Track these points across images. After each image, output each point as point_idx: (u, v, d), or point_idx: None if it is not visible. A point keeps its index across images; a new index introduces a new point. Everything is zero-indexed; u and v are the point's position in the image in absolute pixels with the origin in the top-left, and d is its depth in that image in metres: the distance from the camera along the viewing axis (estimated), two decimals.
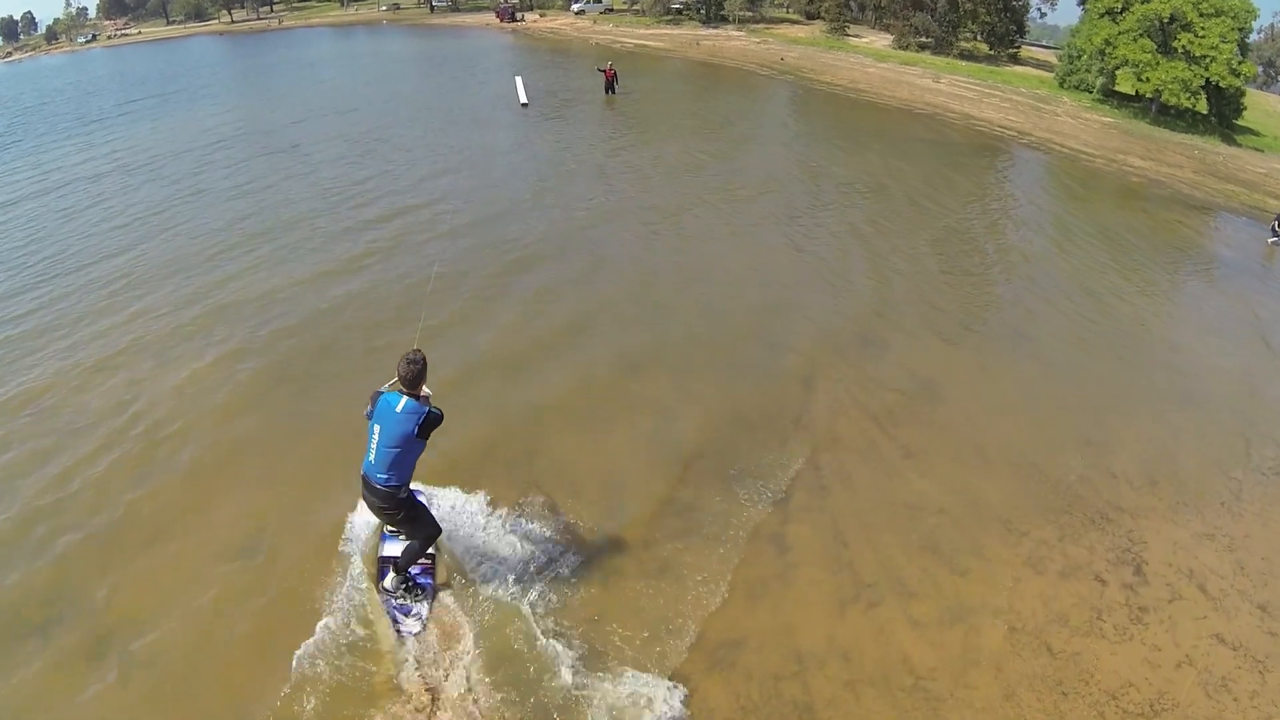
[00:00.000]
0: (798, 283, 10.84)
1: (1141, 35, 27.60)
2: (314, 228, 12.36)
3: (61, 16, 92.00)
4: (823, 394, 7.98)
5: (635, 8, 54.46)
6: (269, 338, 8.72)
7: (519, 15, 57.39)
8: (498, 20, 57.34)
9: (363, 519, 5.68)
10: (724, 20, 45.36)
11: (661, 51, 39.58)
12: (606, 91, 25.41)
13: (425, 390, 4.96)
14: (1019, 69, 35.05)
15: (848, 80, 29.63)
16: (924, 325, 9.72)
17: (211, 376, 7.93)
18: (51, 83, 42.45)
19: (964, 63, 34.57)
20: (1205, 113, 28.25)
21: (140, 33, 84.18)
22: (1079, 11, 33.38)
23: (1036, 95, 28.77)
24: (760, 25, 44.17)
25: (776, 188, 15.41)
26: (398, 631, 5.02)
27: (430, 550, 5.44)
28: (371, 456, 4.81)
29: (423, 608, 5.24)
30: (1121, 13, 28.37)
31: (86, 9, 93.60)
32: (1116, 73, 29.38)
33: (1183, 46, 26.96)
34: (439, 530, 5.30)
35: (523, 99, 23.92)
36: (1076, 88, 30.39)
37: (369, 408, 4.89)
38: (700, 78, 31.06)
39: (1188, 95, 26.83)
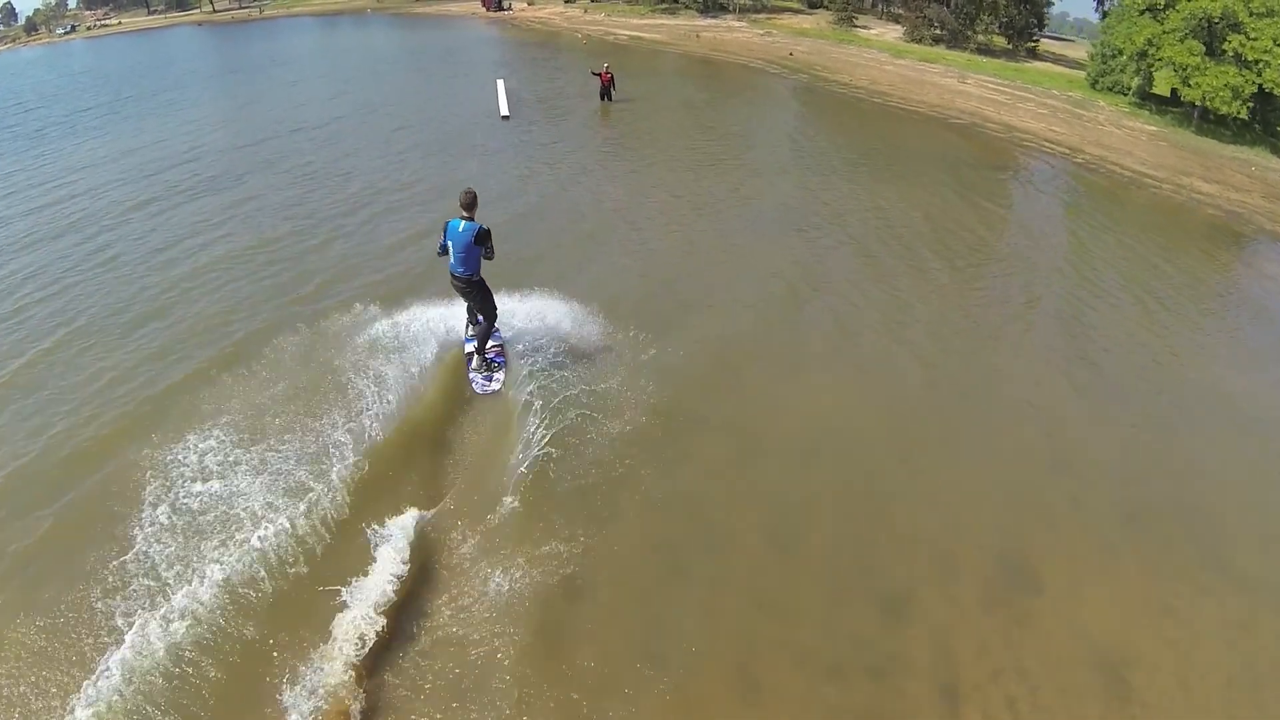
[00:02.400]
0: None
1: (1188, 36, 24.10)
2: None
3: (41, 7, 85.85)
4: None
5: None
6: None
7: (506, 4, 52.89)
8: (484, 9, 52.86)
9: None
10: (723, 9, 41.22)
11: (658, 45, 35.61)
12: (602, 98, 21.71)
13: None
14: (1040, 65, 31.42)
15: (868, 81, 25.93)
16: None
17: None
18: (8, 84, 38.09)
19: (984, 59, 30.88)
20: (1248, 120, 24.96)
21: (120, 23, 78.66)
22: (1089, 2, 30.21)
23: (1071, 99, 25.23)
24: (762, 15, 40.06)
25: (837, 260, 11.64)
26: (483, 390, 7.65)
27: (497, 339, 8.09)
28: (453, 259, 7.31)
29: (501, 375, 7.82)
30: (1164, 10, 24.81)
31: None
32: (1154, 74, 25.99)
33: (1233, 49, 23.52)
34: (497, 312, 7.76)
35: (504, 110, 20.31)
36: (1111, 89, 26.88)
37: (441, 237, 7.36)
38: (704, 78, 27.31)
39: (1238, 103, 23.50)
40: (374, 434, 6.50)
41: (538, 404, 7.03)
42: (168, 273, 10.38)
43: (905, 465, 7.02)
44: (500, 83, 22.58)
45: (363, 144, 17.54)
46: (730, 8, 40.58)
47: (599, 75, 21.81)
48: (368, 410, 6.65)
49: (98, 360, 8.13)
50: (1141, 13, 25.42)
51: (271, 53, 40.57)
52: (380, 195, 13.58)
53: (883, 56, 30.16)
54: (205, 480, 6.02)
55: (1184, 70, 23.82)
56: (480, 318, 7.80)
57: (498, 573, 5.51)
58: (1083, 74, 30.17)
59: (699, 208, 13.46)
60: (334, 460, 6.13)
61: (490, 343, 7.95)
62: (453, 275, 7.40)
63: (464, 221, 7.17)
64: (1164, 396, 8.65)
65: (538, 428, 6.72)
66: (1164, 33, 24.52)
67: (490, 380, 7.74)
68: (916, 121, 21.67)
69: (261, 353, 7.84)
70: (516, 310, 8.42)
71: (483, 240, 7.18)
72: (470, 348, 7.96)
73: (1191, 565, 6.16)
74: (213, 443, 6.35)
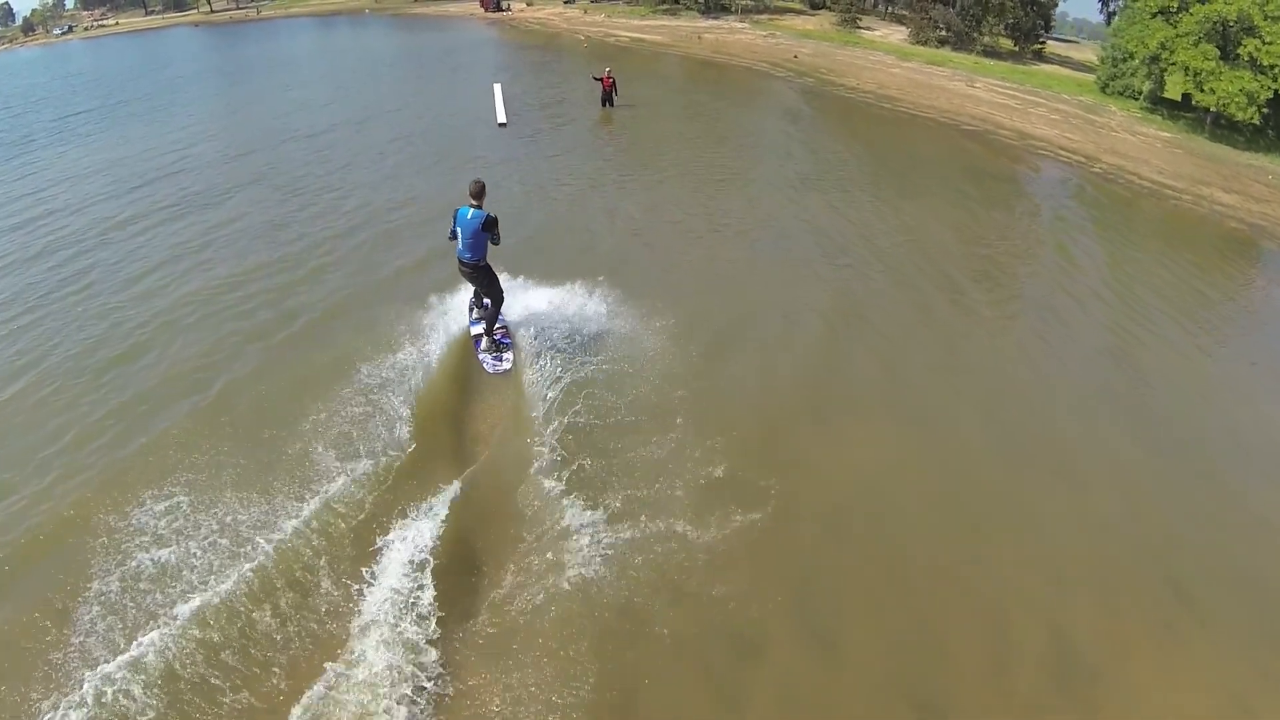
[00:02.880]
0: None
1: (1201, 40, 23.36)
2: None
3: (38, 7, 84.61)
4: None
5: None
6: None
7: (504, 4, 51.97)
8: (482, 9, 51.91)
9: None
10: (725, 10, 40.37)
11: (660, 47, 34.80)
12: (604, 103, 20.90)
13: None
14: (1047, 68, 30.66)
15: (875, 85, 25.15)
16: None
17: None
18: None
19: (991, 61, 30.12)
20: (1260, 126, 24.23)
21: (118, 23, 77.64)
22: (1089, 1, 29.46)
23: (1082, 104, 24.48)
24: (764, 16, 39.24)
25: (873, 290, 10.68)
26: (494, 370, 7.92)
27: (503, 321, 8.38)
28: (461, 245, 7.64)
29: (509, 355, 8.11)
30: (1177, 13, 24.06)
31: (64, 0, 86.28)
32: (1166, 78, 25.27)
33: (1248, 54, 22.80)
34: (503, 296, 8.11)
35: (500, 117, 19.56)
36: (1121, 94, 26.14)
37: (451, 224, 7.67)
38: (708, 81, 26.51)
39: (1252, 109, 22.77)
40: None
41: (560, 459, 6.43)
42: (145, 306, 9.61)
43: (958, 534, 6.32)
44: (497, 88, 21.79)
45: (356, 156, 16.76)
46: (732, 9, 39.73)
47: (600, 80, 20.98)
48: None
49: (64, 412, 7.40)
50: (1153, 16, 24.66)
51: (267, 55, 39.74)
52: (374, 218, 12.70)
53: (888, 59, 29.39)
54: (159, 546, 5.42)
55: (1198, 75, 23.12)
56: (487, 301, 8.12)
57: None
58: (1091, 77, 29.45)
59: (718, 228, 12.61)
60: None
61: (497, 325, 8.31)
62: (460, 260, 7.76)
63: (472, 209, 7.56)
64: (1226, 444, 7.96)
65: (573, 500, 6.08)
66: (1177, 36, 23.80)
67: (500, 360, 8.06)
68: (929, 128, 20.92)
69: (242, 405, 7.12)
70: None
71: (490, 227, 7.57)
72: (477, 330, 8.32)
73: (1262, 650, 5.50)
74: (179, 520, 5.67)
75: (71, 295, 10.12)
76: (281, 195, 14.03)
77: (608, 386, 7.57)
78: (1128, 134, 21.96)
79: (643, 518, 6.00)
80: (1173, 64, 23.87)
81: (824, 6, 41.75)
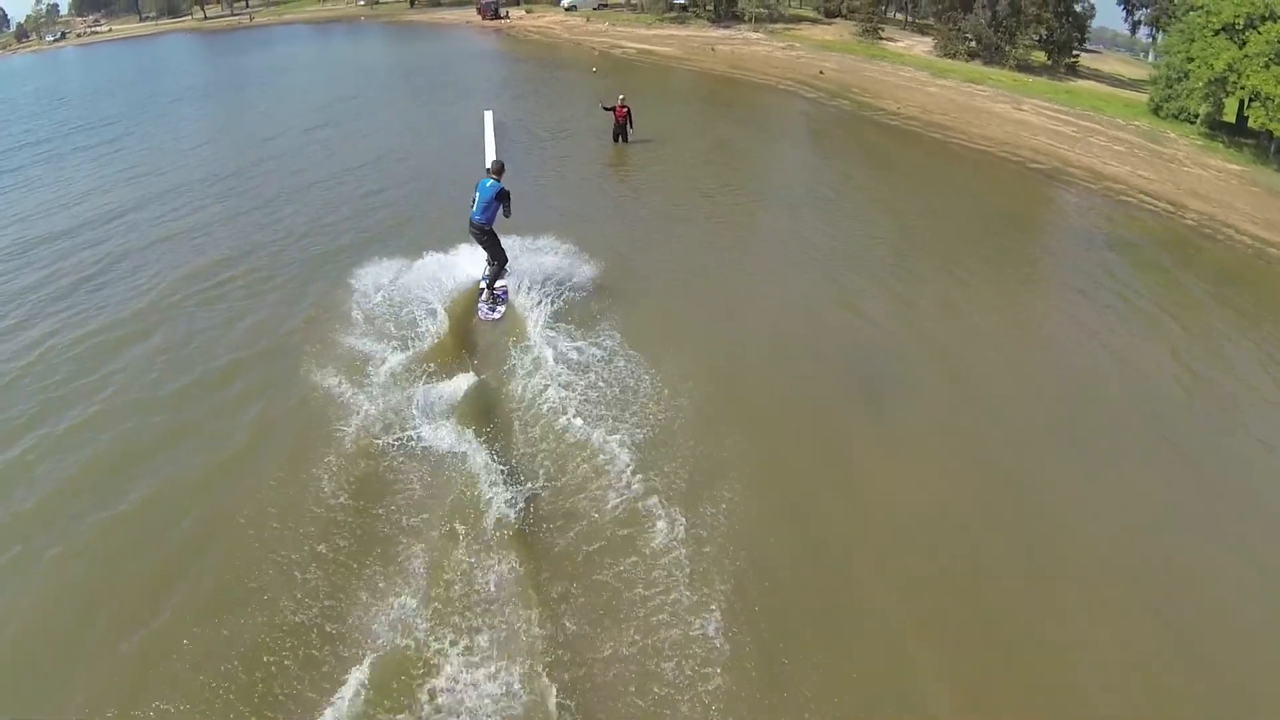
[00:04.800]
0: None
1: (1273, 61, 20.46)
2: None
3: (31, 13, 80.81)
4: None
5: (632, 3, 46.03)
6: None
7: (502, 12, 48.76)
8: (479, 17, 48.68)
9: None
10: (736, 19, 37.29)
11: (671, 60, 31.63)
12: (616, 138, 17.46)
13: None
14: (1085, 84, 27.64)
15: (918, 109, 21.96)
16: None
17: None
18: None
19: (1031, 78, 27.02)
20: None
21: (111, 30, 73.97)
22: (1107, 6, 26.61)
23: (1140, 130, 21.42)
24: (778, 25, 36.10)
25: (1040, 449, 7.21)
26: (486, 317, 8.86)
27: (504, 281, 9.16)
28: (474, 208, 8.63)
29: (502, 308, 8.92)
30: (1244, 30, 21.15)
31: (58, 5, 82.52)
32: (1224, 100, 22.40)
33: None
34: (507, 258, 9.06)
35: (490, 157, 15.45)
36: (1176, 117, 23.23)
37: (473, 193, 8.71)
38: (730, 105, 23.18)
39: None
40: None
41: None
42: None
43: None
44: (488, 117, 18.31)
45: (325, 219, 12.74)
46: (745, 17, 36.61)
47: (612, 110, 17.45)
48: None
49: None
50: (1216, 33, 21.69)
51: (256, 68, 36.38)
52: (325, 363, 7.80)
53: (921, 75, 26.30)
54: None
55: (1270, 102, 20.26)
56: (493, 262, 9.02)
57: None
58: (1134, 95, 26.45)
59: (820, 355, 8.49)
60: None
61: (498, 283, 9.13)
62: (471, 222, 8.70)
63: (491, 180, 8.68)
64: None
65: None
66: (1244, 58, 20.91)
67: (494, 310, 8.94)
68: (993, 165, 17.62)
69: None
70: None
71: (502, 198, 8.61)
72: (483, 283, 9.18)
73: None
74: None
75: None
76: (222, 294, 9.93)
77: None
78: (1198, 169, 18.99)
79: None
80: (1240, 88, 21.03)
81: (840, 15, 38.73)
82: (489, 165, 9.05)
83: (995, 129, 20.18)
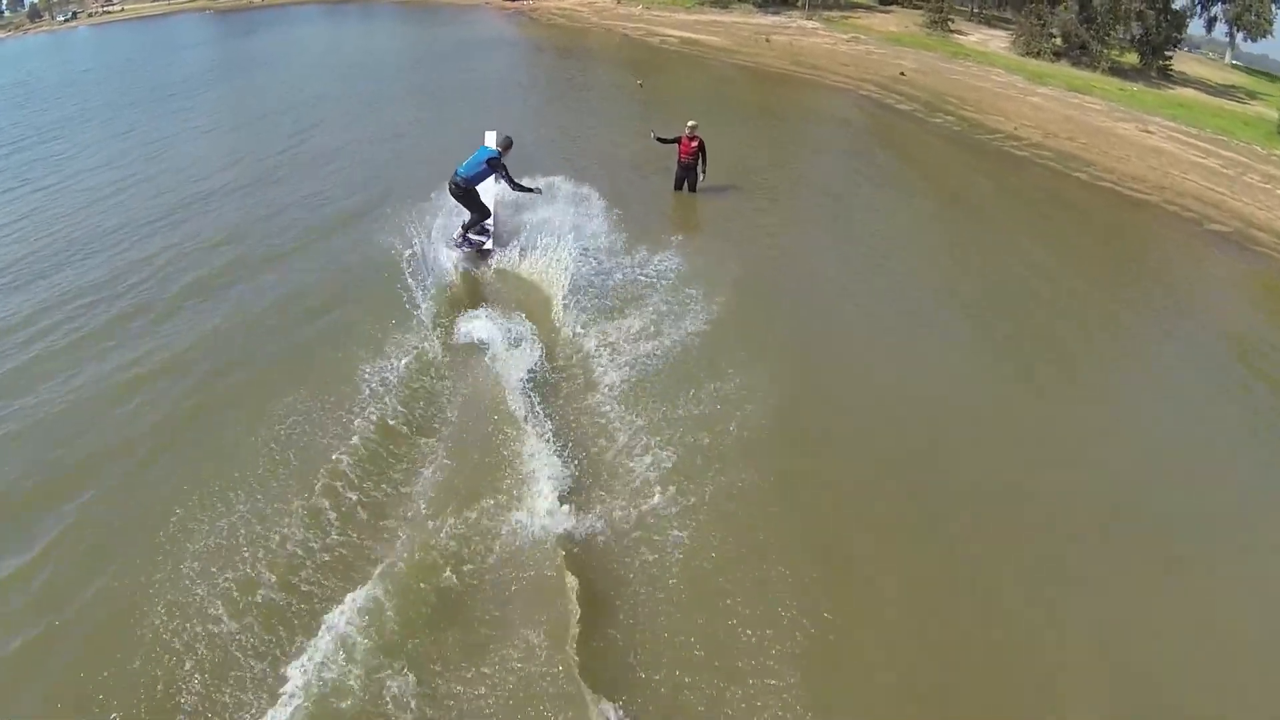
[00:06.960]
0: None
1: None
2: None
3: None
4: None
5: None
6: None
7: None
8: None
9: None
10: (785, 4, 32.15)
11: (720, 53, 26.81)
12: (678, 185, 12.71)
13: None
14: (1186, 93, 22.72)
15: (1036, 128, 17.18)
16: None
17: None
18: None
19: (1133, 85, 22.25)
20: None
21: (124, 10, 69.66)
22: None
23: None
24: (834, 12, 30.98)
25: None
26: (471, 247, 9.30)
27: (488, 224, 9.37)
28: (461, 166, 8.70)
29: (483, 239, 9.29)
30: None
31: None
32: None
33: None
34: (488, 213, 9.18)
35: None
36: None
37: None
38: (810, 119, 18.14)
39: None
40: None
41: None
42: None
43: None
44: (491, 136, 10.54)
45: (279, 320, 8.65)
46: (796, 3, 31.45)
47: (675, 142, 12.45)
48: None
49: None
50: None
51: (261, 53, 32.24)
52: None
53: (1016, 81, 21.47)
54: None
55: None
56: (474, 213, 9.08)
57: None
58: (1235, 106, 21.75)
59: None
60: None
61: (475, 236, 9.23)
62: (454, 176, 8.69)
63: (492, 149, 8.94)
64: None
65: None
66: None
67: (465, 244, 9.23)
68: (1166, 226, 12.85)
69: None
70: None
71: (495, 167, 8.74)
72: (457, 233, 9.20)
73: None
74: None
75: None
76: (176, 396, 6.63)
77: None
78: None
79: None
80: None
81: (897, 2, 33.36)
82: (498, 140, 9.10)
83: (1137, 162, 15.69)
